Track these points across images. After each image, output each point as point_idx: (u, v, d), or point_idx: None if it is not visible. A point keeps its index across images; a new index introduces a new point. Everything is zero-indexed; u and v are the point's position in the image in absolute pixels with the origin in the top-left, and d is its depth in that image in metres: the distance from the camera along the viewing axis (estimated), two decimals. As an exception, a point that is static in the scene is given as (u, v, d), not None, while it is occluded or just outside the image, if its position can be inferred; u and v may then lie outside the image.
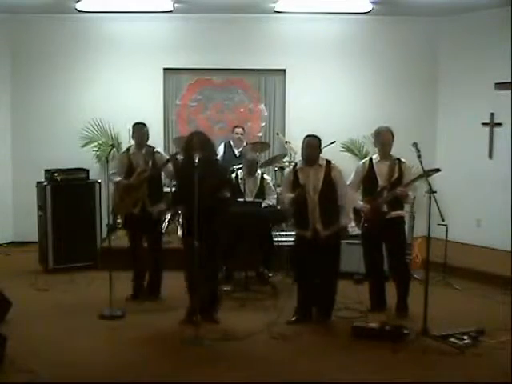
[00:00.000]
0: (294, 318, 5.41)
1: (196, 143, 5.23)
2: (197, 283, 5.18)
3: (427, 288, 4.94)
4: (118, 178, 6.06)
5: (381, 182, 5.55)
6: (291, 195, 5.30)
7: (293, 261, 5.73)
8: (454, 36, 8.43)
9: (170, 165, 5.91)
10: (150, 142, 6.12)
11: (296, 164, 5.54)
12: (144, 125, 6.09)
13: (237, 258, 6.45)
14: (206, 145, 5.31)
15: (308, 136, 5.38)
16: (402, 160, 5.60)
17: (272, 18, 8.42)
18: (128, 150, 6.18)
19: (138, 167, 5.97)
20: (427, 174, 5.16)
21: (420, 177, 5.29)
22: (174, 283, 5.80)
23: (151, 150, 6.02)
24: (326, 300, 5.43)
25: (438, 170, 5.27)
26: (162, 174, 6.17)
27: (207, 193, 5.02)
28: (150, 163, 5.94)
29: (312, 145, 5.31)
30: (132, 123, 6.20)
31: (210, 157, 5.35)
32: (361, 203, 5.61)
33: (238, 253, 6.39)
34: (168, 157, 6.03)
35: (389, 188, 5.48)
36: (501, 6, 7.56)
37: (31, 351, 4.66)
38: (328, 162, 5.37)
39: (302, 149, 5.35)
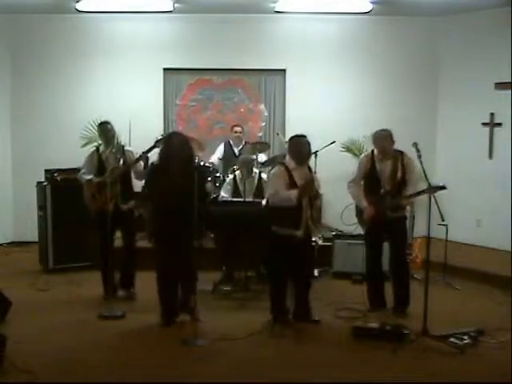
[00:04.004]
0: (273, 320, 5.31)
1: (174, 144, 5.21)
2: (172, 285, 5.29)
3: (427, 288, 4.93)
4: (89, 177, 6.05)
5: (382, 181, 5.54)
6: (294, 191, 5.12)
7: (270, 260, 5.54)
8: (453, 36, 8.43)
9: (139, 164, 5.90)
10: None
11: (284, 164, 5.37)
12: (108, 122, 6.09)
13: (237, 258, 6.45)
14: (185, 146, 5.26)
15: (299, 136, 5.34)
16: (404, 153, 5.56)
17: (272, 18, 8.43)
18: (98, 149, 6.21)
19: (108, 165, 5.97)
20: (432, 190, 5.01)
21: (424, 192, 5.20)
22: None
23: (121, 148, 6.03)
24: (305, 300, 5.40)
25: (443, 188, 5.08)
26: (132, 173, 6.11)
27: (184, 195, 5.02)
28: (122, 161, 5.94)
29: (308, 145, 5.31)
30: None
31: (189, 159, 5.28)
32: (365, 204, 5.59)
33: (238, 253, 6.39)
34: (139, 155, 5.96)
35: (393, 193, 5.48)
36: (501, 6, 7.56)
37: (31, 351, 4.65)
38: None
39: (296, 150, 5.30)
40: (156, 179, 5.27)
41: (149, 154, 5.88)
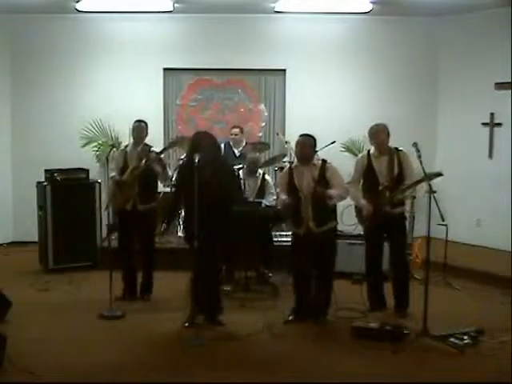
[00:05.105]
0: (290, 318, 5.42)
1: (201, 143, 5.17)
2: (199, 285, 5.19)
3: (427, 288, 4.93)
4: (113, 174, 6.08)
5: (380, 178, 5.54)
6: (284, 197, 5.32)
7: (291, 259, 5.65)
8: (454, 36, 8.43)
9: (155, 165, 5.87)
10: (149, 142, 6.11)
11: (292, 163, 5.54)
12: (142, 121, 6.07)
13: (237, 258, 6.44)
14: (211, 144, 5.24)
15: (301, 135, 5.40)
16: (400, 149, 5.58)
17: (272, 18, 8.43)
18: (126, 146, 6.18)
19: (131, 165, 5.96)
20: (429, 177, 5.06)
21: (421, 181, 5.23)
22: (172, 283, 5.80)
23: (147, 149, 5.99)
24: (321, 299, 5.43)
25: (439, 175, 5.09)
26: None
27: (214, 194, 4.99)
28: (144, 161, 5.90)
29: (304, 144, 5.32)
30: (132, 123, 6.18)
31: (216, 157, 5.26)
32: (363, 202, 5.60)
33: (238, 253, 6.38)
34: (158, 153, 5.94)
35: (391, 187, 5.48)
36: (501, 6, 7.56)
37: (31, 351, 4.66)
38: (324, 161, 5.37)
39: (296, 148, 5.38)
40: (187, 182, 5.11)
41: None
